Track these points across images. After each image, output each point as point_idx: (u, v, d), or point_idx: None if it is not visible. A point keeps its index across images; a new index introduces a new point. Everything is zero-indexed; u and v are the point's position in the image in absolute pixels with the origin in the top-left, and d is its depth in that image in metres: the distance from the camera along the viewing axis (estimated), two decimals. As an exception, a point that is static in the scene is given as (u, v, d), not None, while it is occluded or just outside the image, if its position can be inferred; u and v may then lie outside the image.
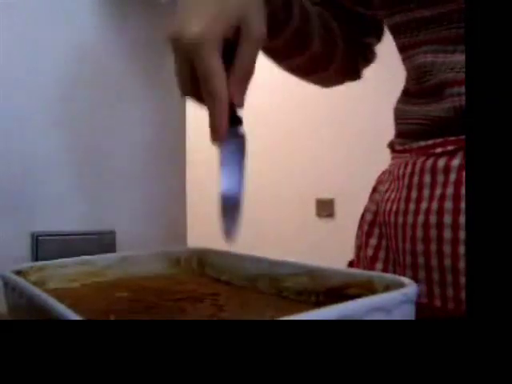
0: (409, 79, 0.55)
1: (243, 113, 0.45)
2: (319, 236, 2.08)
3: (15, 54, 1.02)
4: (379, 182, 0.59)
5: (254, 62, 0.44)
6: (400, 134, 0.56)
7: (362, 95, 1.72)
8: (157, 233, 1.21)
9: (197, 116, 2.20)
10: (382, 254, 0.54)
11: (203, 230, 1.87)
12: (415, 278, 0.48)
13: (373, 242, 0.55)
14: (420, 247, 0.48)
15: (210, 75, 0.41)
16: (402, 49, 0.54)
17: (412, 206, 0.50)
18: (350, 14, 0.63)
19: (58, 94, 1.09)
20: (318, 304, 0.39)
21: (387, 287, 0.34)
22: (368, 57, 0.67)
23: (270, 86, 2.14)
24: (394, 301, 0.30)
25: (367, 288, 0.36)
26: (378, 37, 0.65)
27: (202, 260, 0.53)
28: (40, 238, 1.00)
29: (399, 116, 0.56)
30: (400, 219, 0.51)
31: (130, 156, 1.20)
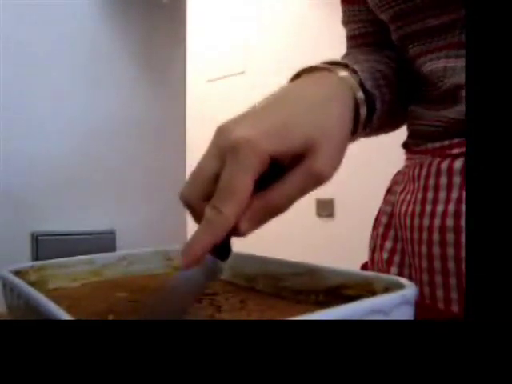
0: (421, 85, 0.54)
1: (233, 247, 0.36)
2: (319, 236, 2.08)
3: (14, 53, 1.02)
4: (394, 182, 0.58)
5: (292, 202, 0.35)
6: (414, 134, 0.55)
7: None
8: (157, 232, 1.21)
9: (197, 116, 2.20)
10: (396, 258, 0.54)
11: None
12: (432, 283, 0.48)
13: (388, 245, 0.55)
14: (436, 251, 0.47)
15: (232, 188, 0.33)
16: (413, 57, 0.53)
17: (428, 209, 0.49)
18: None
19: (58, 94, 1.09)
20: (318, 304, 0.39)
21: (386, 288, 0.34)
22: None
23: (272, 85, 2.14)
24: (393, 302, 0.30)
25: (366, 289, 0.36)
26: None
27: (202, 260, 0.53)
28: (40, 237, 1.00)
29: (414, 117, 0.55)
30: (416, 222, 0.50)
31: (130, 156, 1.19)
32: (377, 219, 0.58)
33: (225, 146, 0.34)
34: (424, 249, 0.49)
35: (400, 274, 0.53)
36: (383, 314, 0.29)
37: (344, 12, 0.61)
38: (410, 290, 0.32)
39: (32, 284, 0.38)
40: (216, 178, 0.34)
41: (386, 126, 0.55)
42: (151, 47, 1.22)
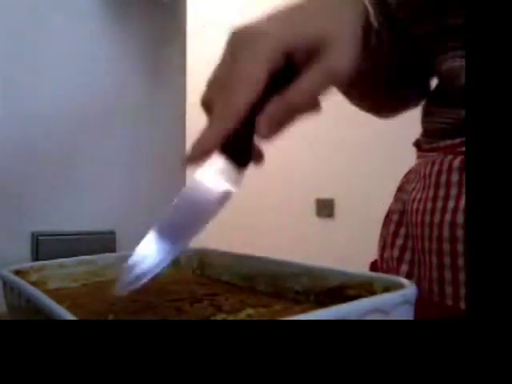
0: (437, 84, 0.54)
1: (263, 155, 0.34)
2: (319, 236, 2.08)
3: (15, 55, 1.02)
4: (405, 181, 0.58)
5: (310, 99, 0.34)
6: (427, 132, 0.56)
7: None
8: (157, 233, 1.20)
9: (197, 116, 2.20)
10: (407, 256, 0.53)
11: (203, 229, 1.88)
12: (441, 279, 0.48)
13: (399, 242, 0.55)
14: (446, 247, 0.47)
15: (243, 78, 0.32)
16: (429, 55, 0.54)
17: (439, 205, 0.49)
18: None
19: (58, 94, 1.09)
20: (318, 304, 0.39)
21: (386, 288, 0.34)
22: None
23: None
24: (393, 302, 0.30)
25: (366, 289, 0.36)
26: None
27: (202, 260, 0.53)
28: (40, 237, 1.00)
29: (428, 115, 0.55)
30: (427, 218, 0.50)
31: (129, 156, 1.19)
32: (387, 217, 0.58)
33: (238, 43, 0.34)
34: (434, 245, 0.49)
35: (410, 271, 0.53)
36: (383, 313, 0.29)
37: None
38: (410, 289, 0.32)
39: (32, 284, 0.38)
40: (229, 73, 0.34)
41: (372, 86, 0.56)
42: (151, 47, 1.22)
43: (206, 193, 0.34)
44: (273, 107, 0.33)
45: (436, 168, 0.51)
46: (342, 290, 0.38)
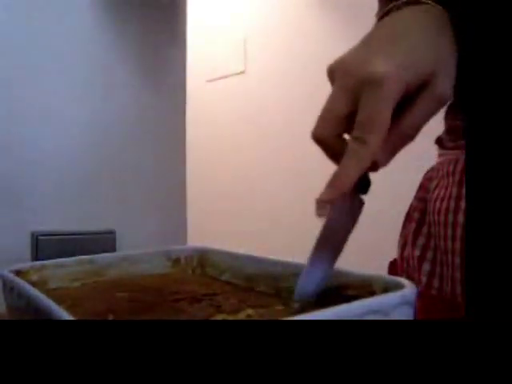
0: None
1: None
2: (319, 236, 2.07)
3: (13, 54, 1.02)
4: (427, 179, 0.57)
5: (422, 126, 0.37)
6: (451, 130, 0.55)
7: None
8: (157, 232, 1.21)
9: (197, 116, 2.20)
10: (429, 255, 0.53)
11: (204, 229, 1.87)
12: (465, 280, 0.48)
13: (420, 241, 0.54)
14: None
15: (377, 121, 0.34)
16: None
17: (463, 204, 0.48)
18: None
19: (58, 95, 1.09)
20: (317, 304, 0.39)
21: (386, 289, 0.34)
22: None
23: (272, 85, 2.14)
24: (392, 303, 0.30)
25: (366, 289, 0.36)
26: None
27: (203, 259, 0.53)
28: (40, 237, 0.99)
29: (451, 113, 0.55)
30: (450, 218, 0.49)
31: (129, 156, 1.19)
32: (408, 215, 0.58)
33: (359, 82, 0.35)
34: (458, 245, 0.48)
35: (432, 270, 0.53)
36: (383, 314, 0.29)
37: None
38: (409, 290, 0.32)
39: (32, 284, 0.38)
40: (348, 115, 0.36)
41: None
42: (151, 47, 1.22)
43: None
44: (392, 139, 0.36)
45: (459, 166, 0.50)
46: (341, 290, 0.38)
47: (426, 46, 0.38)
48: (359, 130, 0.35)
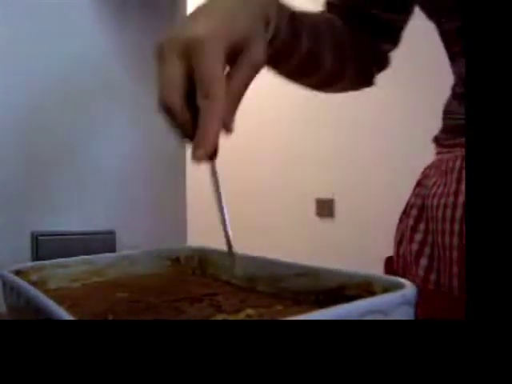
0: (458, 82, 0.56)
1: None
2: (319, 236, 2.08)
3: (12, 57, 1.02)
4: (424, 176, 0.58)
5: (248, 86, 0.41)
6: (448, 129, 0.56)
7: (363, 95, 1.72)
8: (157, 232, 1.21)
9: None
10: (427, 250, 0.54)
11: (204, 229, 1.87)
12: (462, 274, 0.49)
13: (418, 237, 0.55)
14: None
15: (212, 76, 0.38)
16: (451, 57, 0.56)
17: (461, 200, 0.49)
18: (365, 17, 0.62)
19: (58, 96, 1.09)
20: (318, 304, 0.39)
21: (386, 289, 0.34)
22: (383, 64, 0.66)
23: (269, 84, 2.14)
24: (392, 303, 0.30)
25: (366, 289, 0.36)
26: (394, 42, 0.65)
27: (203, 259, 0.53)
28: (40, 237, 1.00)
29: (449, 112, 0.56)
30: (448, 213, 0.50)
31: (129, 156, 1.20)
32: (405, 212, 0.59)
33: (185, 46, 0.38)
34: (455, 240, 0.49)
35: (430, 265, 0.53)
36: (382, 314, 0.29)
37: None
38: (410, 290, 0.32)
39: (32, 284, 0.38)
40: (187, 77, 0.38)
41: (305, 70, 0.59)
42: (151, 48, 1.22)
43: None
44: (228, 99, 0.39)
45: (458, 163, 0.51)
46: (341, 290, 0.38)
47: (238, 14, 0.42)
48: (201, 88, 0.38)
